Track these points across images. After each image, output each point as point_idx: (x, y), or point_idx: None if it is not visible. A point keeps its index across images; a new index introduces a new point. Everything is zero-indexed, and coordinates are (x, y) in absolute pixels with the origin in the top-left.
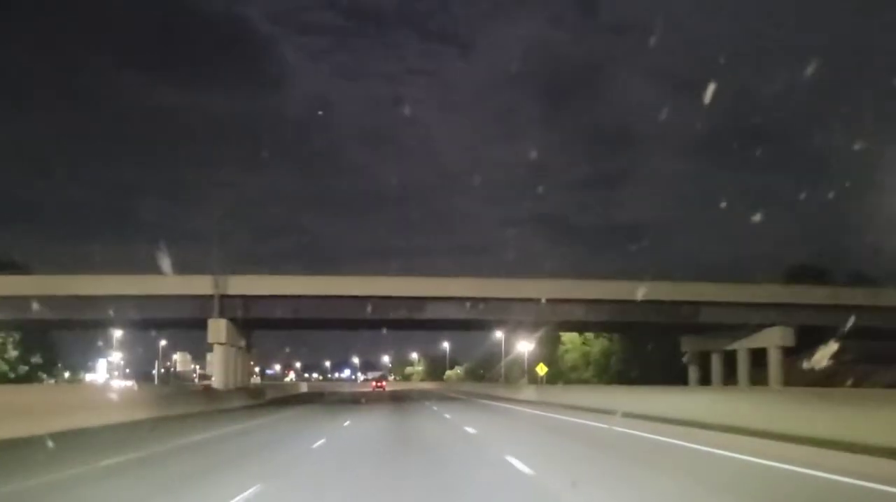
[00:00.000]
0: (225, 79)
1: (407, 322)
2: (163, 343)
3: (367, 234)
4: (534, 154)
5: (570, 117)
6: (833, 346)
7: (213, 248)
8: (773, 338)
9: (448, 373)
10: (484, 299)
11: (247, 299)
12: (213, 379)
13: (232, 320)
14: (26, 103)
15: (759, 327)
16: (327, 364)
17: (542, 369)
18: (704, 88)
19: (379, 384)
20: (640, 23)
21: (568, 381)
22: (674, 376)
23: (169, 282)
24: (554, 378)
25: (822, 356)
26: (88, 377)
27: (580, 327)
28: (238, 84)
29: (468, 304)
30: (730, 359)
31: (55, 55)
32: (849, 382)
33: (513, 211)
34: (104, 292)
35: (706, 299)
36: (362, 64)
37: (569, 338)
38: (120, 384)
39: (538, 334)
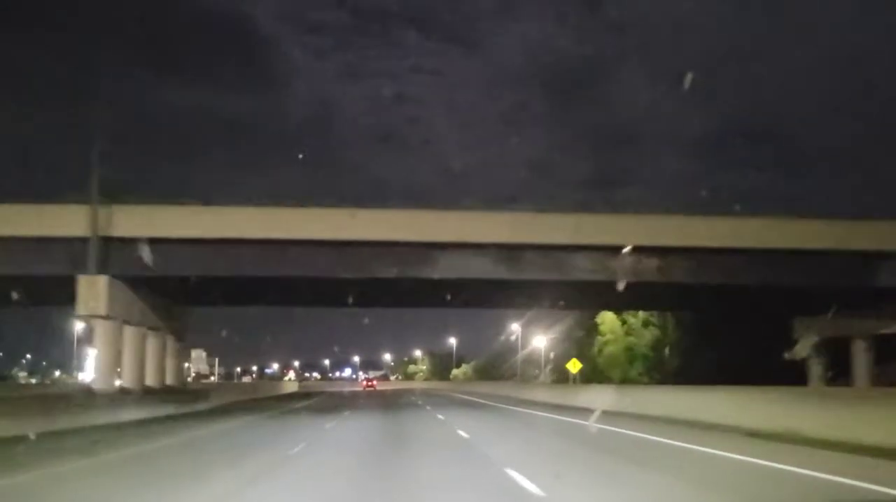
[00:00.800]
0: (229, 77)
1: (405, 285)
2: None
3: None
4: (538, 152)
5: (575, 116)
6: (813, 338)
7: (91, 160)
8: None
9: (455, 371)
10: (531, 247)
11: (150, 245)
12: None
13: (124, 279)
14: (27, 101)
15: None
16: (326, 362)
17: (574, 366)
18: (709, 86)
19: (370, 383)
20: (645, 20)
21: (607, 380)
22: (772, 374)
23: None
24: (587, 377)
25: (803, 347)
26: (80, 376)
27: (664, 298)
28: (242, 82)
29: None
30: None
31: (57, 53)
32: None
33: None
34: None
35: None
36: (367, 63)
37: (609, 326)
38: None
39: (556, 321)
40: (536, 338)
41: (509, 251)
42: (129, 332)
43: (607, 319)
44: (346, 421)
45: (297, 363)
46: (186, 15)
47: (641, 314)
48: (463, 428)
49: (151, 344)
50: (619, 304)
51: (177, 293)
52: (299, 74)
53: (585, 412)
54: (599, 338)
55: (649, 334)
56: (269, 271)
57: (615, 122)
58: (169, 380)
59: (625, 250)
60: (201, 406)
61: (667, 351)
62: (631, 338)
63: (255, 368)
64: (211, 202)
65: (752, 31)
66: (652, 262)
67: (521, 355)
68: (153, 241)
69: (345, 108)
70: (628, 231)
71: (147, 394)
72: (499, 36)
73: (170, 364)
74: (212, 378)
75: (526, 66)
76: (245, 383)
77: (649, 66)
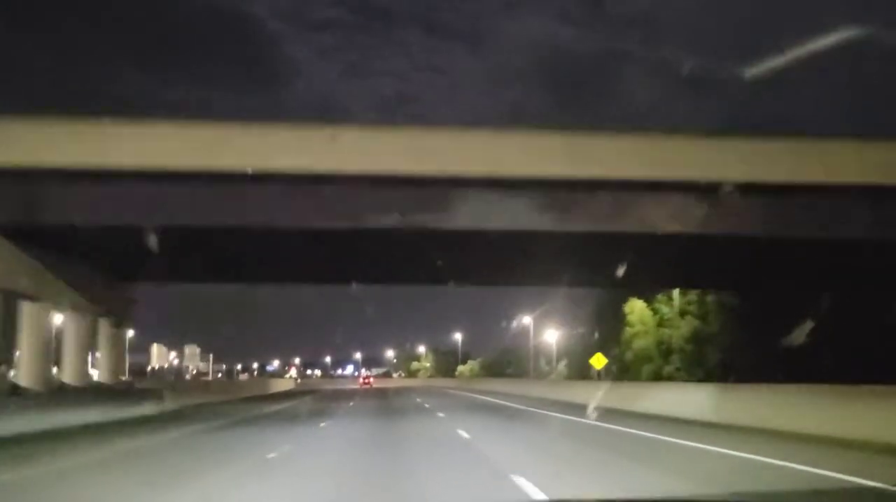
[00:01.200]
0: (232, 76)
1: (411, 241)
2: (130, 333)
3: None
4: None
5: (578, 112)
6: (809, 324)
7: None
8: None
9: (461, 368)
10: (589, 184)
11: (43, 180)
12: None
13: (7, 233)
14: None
15: None
16: (327, 360)
17: (599, 361)
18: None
19: (366, 381)
20: (647, 16)
21: (636, 378)
22: (848, 370)
23: None
24: (614, 374)
25: (800, 334)
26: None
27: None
28: (245, 81)
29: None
30: None
31: (59, 51)
32: None
33: None
34: None
35: None
36: (369, 61)
37: (638, 316)
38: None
39: (573, 313)
40: (549, 333)
41: (555, 191)
42: (28, 310)
43: (636, 308)
44: (318, 437)
45: (298, 360)
46: (187, 13)
47: (677, 303)
48: (518, 467)
49: (72, 328)
50: (697, 280)
51: (116, 262)
52: (301, 73)
53: (692, 428)
54: (628, 329)
55: (688, 325)
56: (216, 219)
57: (618, 118)
58: (103, 377)
59: (726, 189)
60: (147, 409)
61: (707, 345)
62: (664, 330)
63: (255, 365)
64: (133, 117)
65: (752, 27)
66: (756, 208)
67: (532, 349)
68: (45, 175)
69: (347, 106)
70: (728, 161)
71: (59, 395)
72: (501, 33)
73: (104, 355)
74: (219, 375)
75: (529, 63)
76: (221, 381)
77: (652, 61)
